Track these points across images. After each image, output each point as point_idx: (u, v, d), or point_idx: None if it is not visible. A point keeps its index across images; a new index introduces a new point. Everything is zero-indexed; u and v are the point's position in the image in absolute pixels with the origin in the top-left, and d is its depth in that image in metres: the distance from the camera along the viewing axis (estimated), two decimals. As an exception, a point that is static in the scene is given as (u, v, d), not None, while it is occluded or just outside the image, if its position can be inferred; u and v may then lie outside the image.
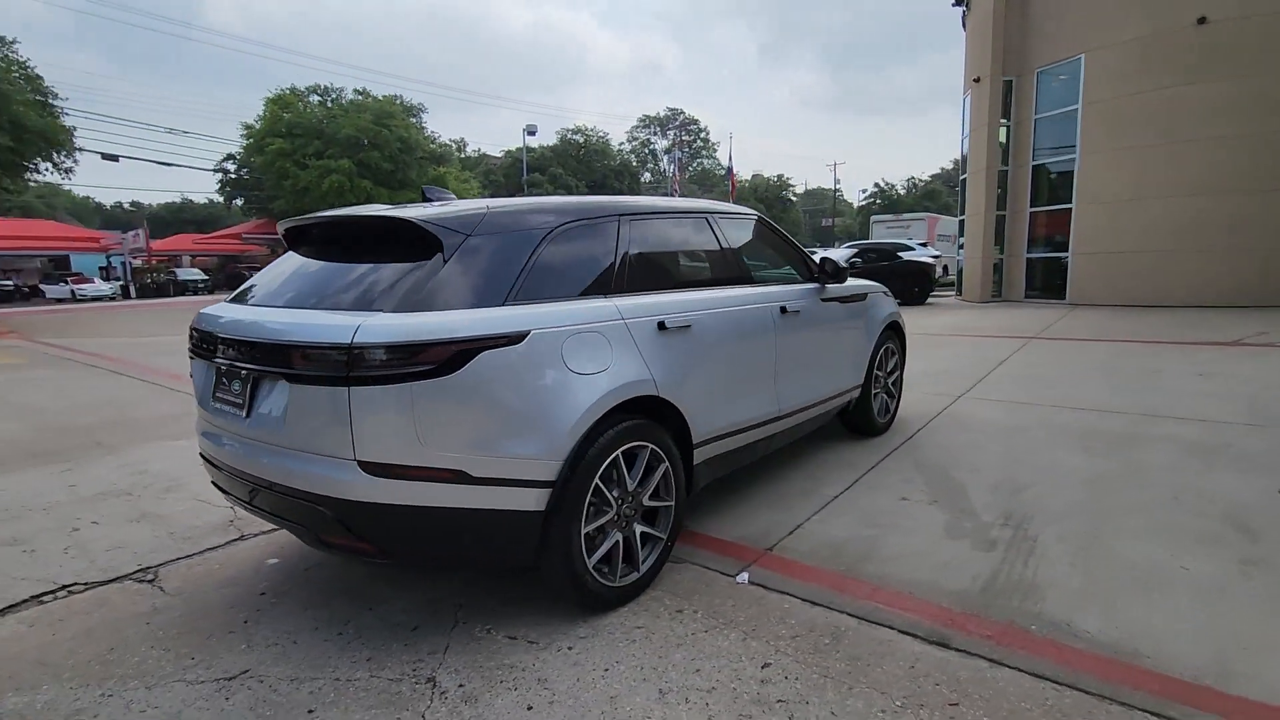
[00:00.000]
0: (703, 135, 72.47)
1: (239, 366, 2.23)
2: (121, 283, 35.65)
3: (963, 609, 2.50)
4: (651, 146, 69.39)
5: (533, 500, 2.22)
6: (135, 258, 35.55)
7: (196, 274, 36.50)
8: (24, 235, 36.15)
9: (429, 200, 2.78)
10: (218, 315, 2.44)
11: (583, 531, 2.35)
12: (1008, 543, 3.02)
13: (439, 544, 2.18)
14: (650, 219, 2.98)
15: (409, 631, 2.42)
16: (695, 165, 72.10)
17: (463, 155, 53.18)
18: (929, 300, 16.35)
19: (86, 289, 33.16)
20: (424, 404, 2.02)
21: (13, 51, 15.11)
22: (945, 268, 19.23)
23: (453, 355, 2.06)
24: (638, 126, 69.28)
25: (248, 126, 27.94)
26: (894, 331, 4.77)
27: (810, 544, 3.07)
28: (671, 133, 72.36)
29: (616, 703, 2.02)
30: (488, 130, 59.72)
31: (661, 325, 2.69)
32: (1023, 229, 15.30)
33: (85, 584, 2.81)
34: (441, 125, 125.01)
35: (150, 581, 2.84)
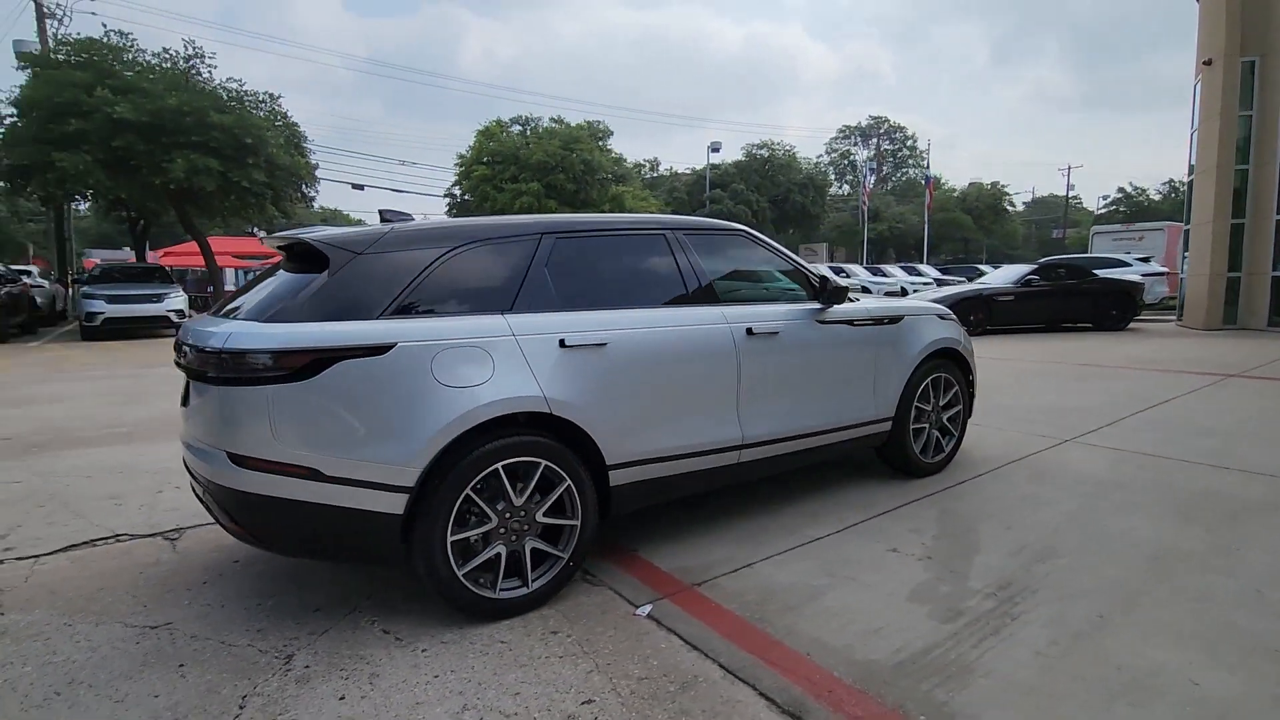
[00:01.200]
0: (909, 143, 68.10)
1: (180, 366, 2.63)
2: None
3: (854, 682, 2.17)
4: (851, 157, 66.62)
5: (389, 503, 2.34)
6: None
7: None
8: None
9: (388, 221, 3.02)
10: (188, 324, 2.90)
11: (448, 539, 2.42)
12: (977, 617, 2.54)
13: (298, 534, 2.38)
14: (583, 237, 2.97)
15: (310, 613, 2.66)
16: (900, 175, 67.90)
17: (654, 174, 55.37)
18: (1132, 325, 13.80)
19: None
20: (279, 405, 2.24)
21: (277, 105, 18.81)
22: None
23: (308, 363, 2.25)
24: (837, 138, 67.08)
25: (460, 156, 31.73)
26: (950, 360, 4.18)
27: (745, 585, 2.83)
28: (874, 141, 68.92)
29: (418, 709, 2.06)
30: (690, 148, 61.65)
31: (563, 343, 2.67)
32: (1268, 240, 12.32)
33: (130, 535, 3.46)
34: (643, 147, 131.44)
35: (172, 540, 3.42)
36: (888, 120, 68.58)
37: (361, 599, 2.76)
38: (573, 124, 31.61)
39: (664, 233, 3.19)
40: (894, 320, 3.87)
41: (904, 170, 68.86)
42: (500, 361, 2.52)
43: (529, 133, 31.67)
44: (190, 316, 13.94)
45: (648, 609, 2.66)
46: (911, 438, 3.99)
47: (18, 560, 3.18)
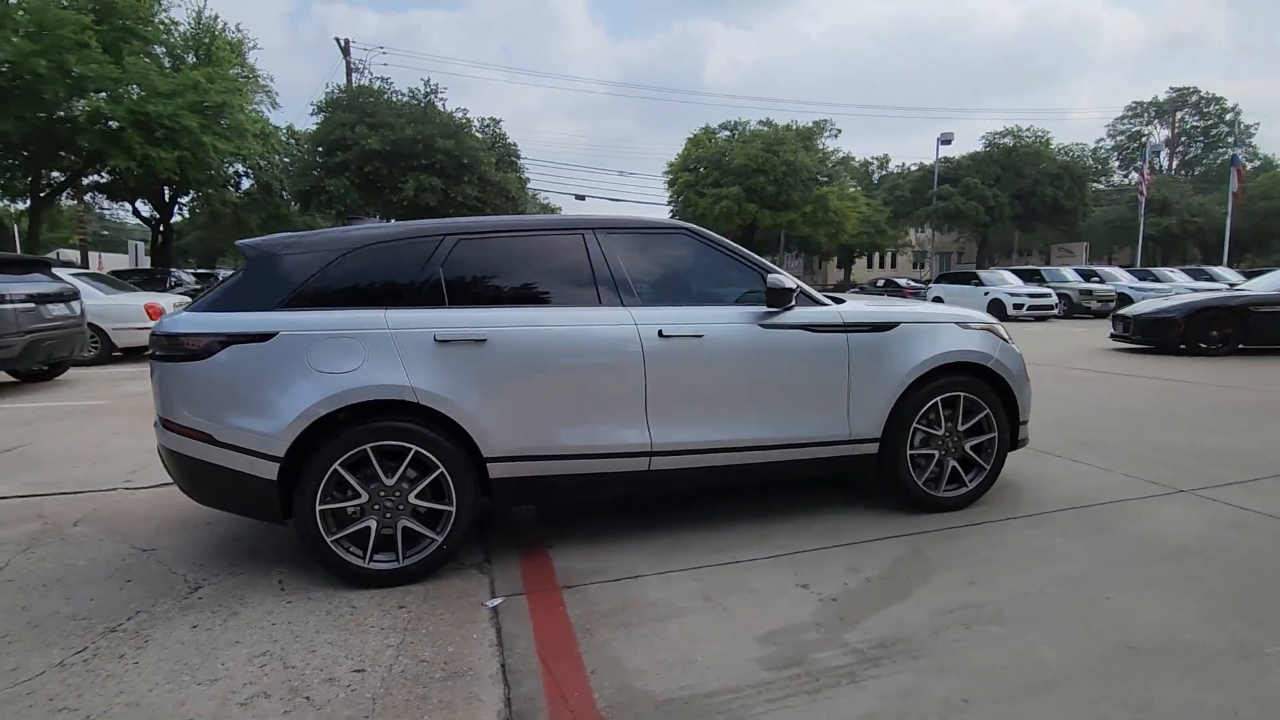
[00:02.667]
0: (1228, 118, 54.94)
1: None
2: None
3: (605, 708, 2.03)
4: (1144, 139, 55.67)
5: (264, 470, 2.71)
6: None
7: None
8: None
9: (349, 223, 3.44)
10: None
11: (317, 507, 2.73)
12: (814, 671, 2.19)
13: (206, 488, 2.85)
14: (488, 238, 3.09)
15: (251, 558, 3.15)
16: (1213, 157, 55.10)
17: (883, 171, 52.13)
18: None
19: None
20: (185, 379, 2.73)
21: (498, 129, 21.41)
22: None
23: (204, 345, 2.71)
24: (1124, 117, 56.60)
25: (670, 165, 33.08)
26: (977, 378, 3.50)
27: (609, 596, 2.74)
28: (1175, 117, 56.93)
29: (231, 649, 2.38)
30: (932, 143, 55.33)
31: (437, 338, 2.83)
32: None
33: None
34: (881, 144, 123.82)
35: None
36: (1197, 92, 56.06)
37: (301, 555, 3.19)
38: (780, 126, 31.16)
39: (582, 233, 3.18)
40: (880, 327, 3.37)
41: (1219, 151, 55.63)
42: (371, 353, 2.76)
43: (735, 137, 31.90)
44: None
45: (497, 602, 2.71)
46: (910, 465, 3.43)
47: (127, 490, 4.19)
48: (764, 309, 3.20)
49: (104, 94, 15.31)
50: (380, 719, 1.99)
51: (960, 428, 3.51)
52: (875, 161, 54.36)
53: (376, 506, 2.81)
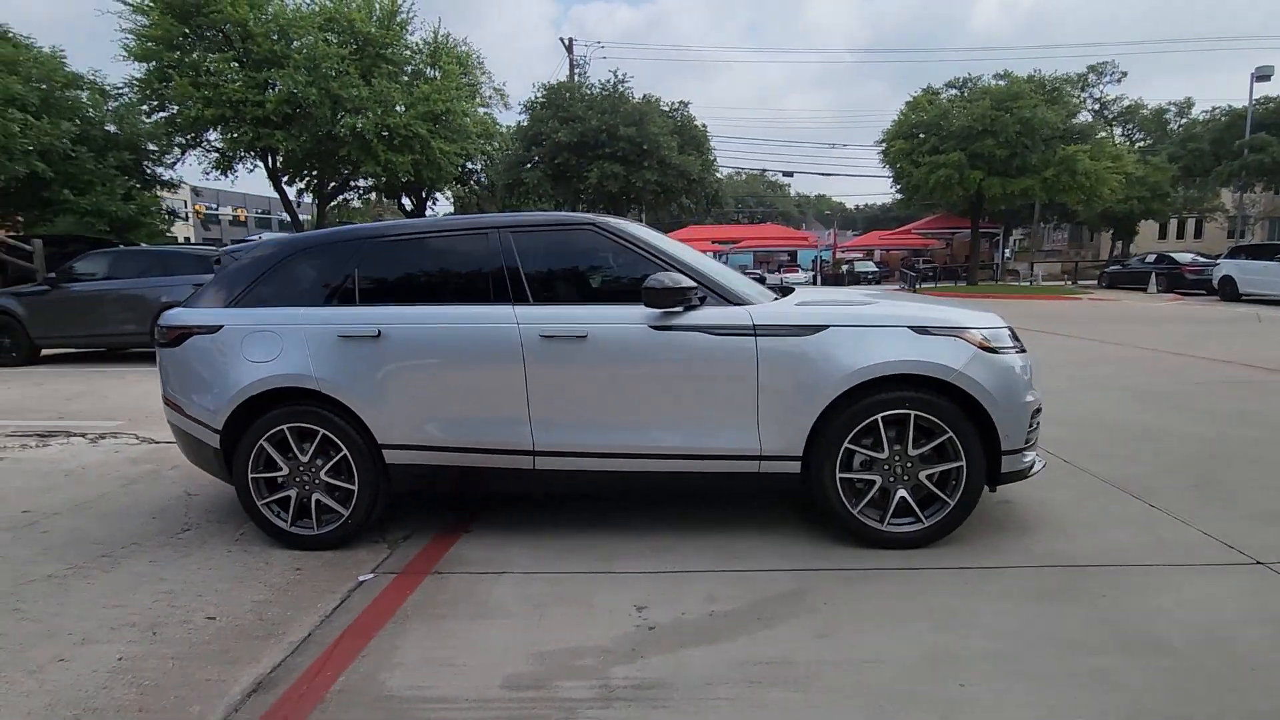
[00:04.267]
0: None
1: None
2: (812, 274, 45.37)
3: (339, 689, 2.18)
4: None
5: (211, 439, 3.26)
6: (837, 251, 45.43)
7: (870, 267, 43.44)
8: (769, 236, 49.61)
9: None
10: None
11: (248, 475, 3.21)
12: (551, 698, 2.10)
13: (186, 450, 3.48)
14: (398, 241, 3.28)
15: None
16: None
17: (1183, 119, 42.51)
18: None
19: (790, 277, 43.54)
20: (167, 362, 3.37)
21: (686, 112, 21.57)
22: None
23: (176, 335, 3.31)
24: None
25: (885, 132, 30.32)
26: (939, 395, 2.88)
27: (460, 587, 2.84)
28: None
29: (161, 583, 2.95)
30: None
31: (339, 333, 3.12)
32: None
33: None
34: (1187, 85, 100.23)
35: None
36: None
37: (275, 510, 3.77)
38: (1019, 78, 26.78)
39: (487, 232, 3.23)
40: (801, 330, 2.93)
41: None
42: (287, 345, 3.15)
43: (963, 95, 28.16)
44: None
45: (367, 577, 2.97)
46: (840, 491, 2.96)
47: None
48: (651, 311, 2.97)
49: (359, 112, 18.49)
50: (180, 660, 2.35)
51: (912, 452, 2.93)
52: (1174, 108, 44.34)
53: (296, 479, 3.22)
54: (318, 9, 19.33)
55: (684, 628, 2.46)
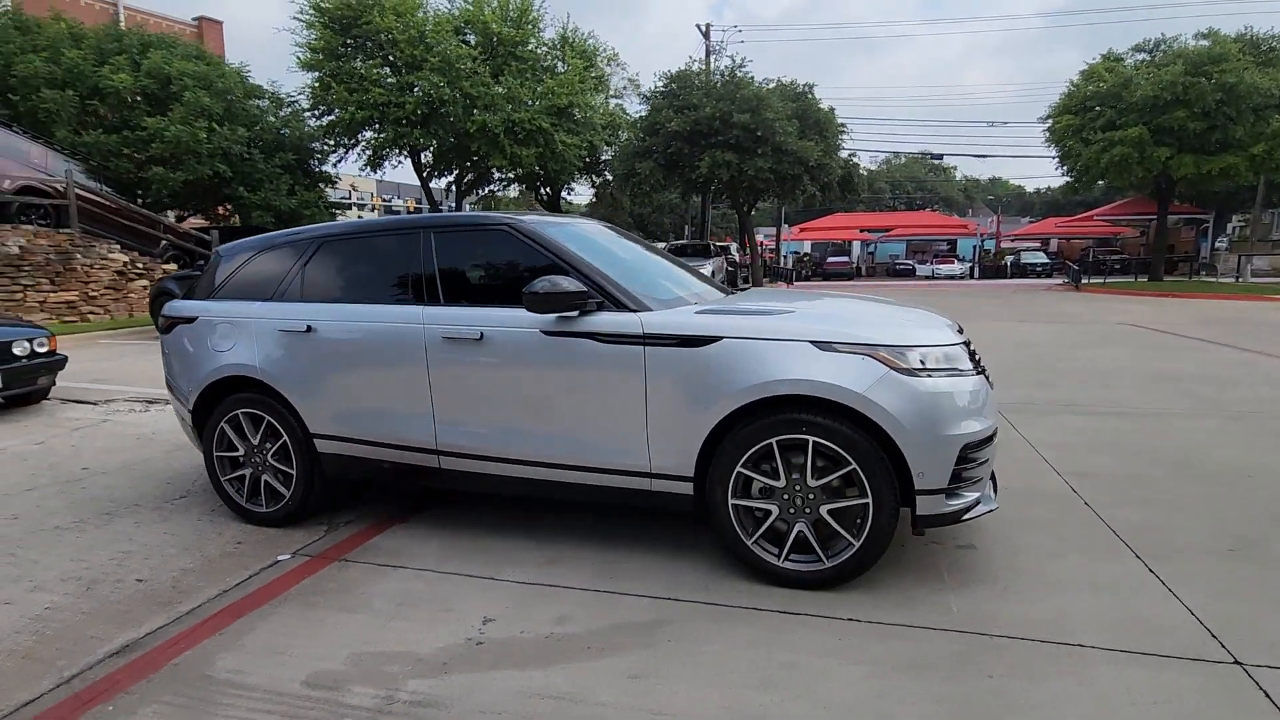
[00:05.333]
0: None
1: None
2: (969, 264, 41.52)
3: (175, 663, 2.36)
4: None
5: (188, 418, 3.64)
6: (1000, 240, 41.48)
7: (1040, 258, 39.04)
8: (926, 224, 45.91)
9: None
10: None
11: (214, 453, 3.55)
12: (326, 701, 2.14)
13: (183, 428, 3.90)
14: (345, 240, 3.43)
15: (240, 482, 4.20)
16: None
17: None
18: None
19: (943, 268, 40.12)
20: (164, 349, 3.80)
21: (810, 95, 20.53)
22: None
23: (168, 324, 3.71)
24: None
25: (1051, 107, 26.91)
26: (845, 421, 2.52)
27: (354, 578, 2.96)
28: None
29: (119, 547, 3.35)
30: None
31: (278, 327, 3.34)
32: None
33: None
34: None
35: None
36: None
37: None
38: (1226, 37, 22.45)
39: (418, 232, 3.28)
40: (692, 342, 2.68)
41: None
42: (241, 337, 3.43)
43: (1153, 60, 24.14)
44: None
45: (285, 557, 3.18)
46: (735, 520, 2.70)
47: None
48: (555, 315, 2.87)
49: (489, 109, 19.58)
50: (89, 616, 2.65)
51: (813, 483, 2.60)
52: None
53: (250, 460, 3.51)
54: (457, 13, 20.65)
55: (510, 646, 2.38)
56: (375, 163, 22.34)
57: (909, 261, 45.36)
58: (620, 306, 2.85)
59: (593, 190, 31.51)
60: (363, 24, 19.47)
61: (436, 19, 20.24)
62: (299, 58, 20.53)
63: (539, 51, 22.07)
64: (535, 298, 2.76)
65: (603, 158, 26.49)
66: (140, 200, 16.42)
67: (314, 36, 20.03)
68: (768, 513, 2.69)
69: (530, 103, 19.76)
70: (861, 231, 47.15)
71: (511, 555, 3.10)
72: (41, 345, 6.14)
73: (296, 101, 21.05)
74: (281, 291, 3.49)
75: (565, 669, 2.24)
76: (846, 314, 2.96)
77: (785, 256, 41.87)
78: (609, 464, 2.85)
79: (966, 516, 2.61)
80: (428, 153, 22.83)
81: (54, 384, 6.41)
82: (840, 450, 2.53)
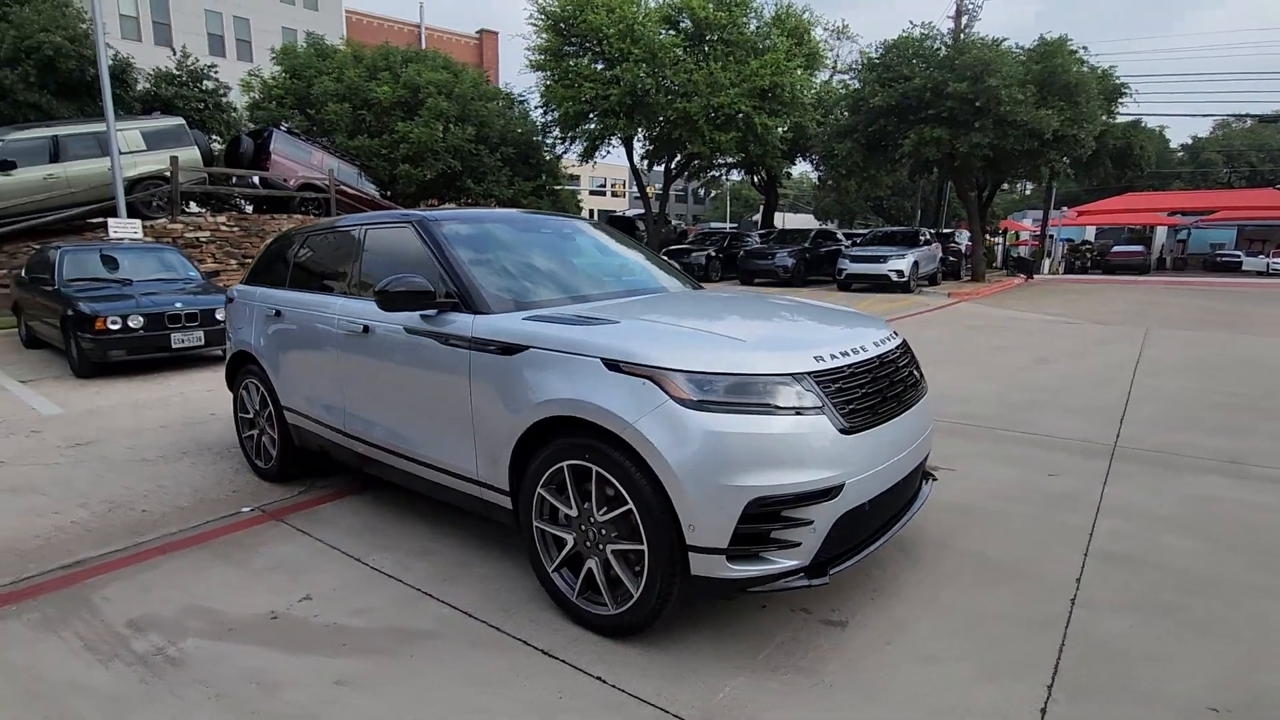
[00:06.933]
0: None
1: None
2: None
3: (100, 599, 2.90)
4: None
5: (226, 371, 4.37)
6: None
7: None
8: (1269, 205, 35.31)
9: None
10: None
11: (236, 414, 4.23)
12: (114, 649, 2.48)
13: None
14: (317, 235, 3.79)
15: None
16: None
17: None
18: None
19: (1277, 264, 31.27)
20: (226, 313, 4.58)
21: (1064, 51, 17.14)
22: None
23: (226, 300, 4.48)
24: None
25: None
26: (616, 449, 2.19)
27: (281, 538, 3.33)
28: None
29: (117, 476, 4.17)
30: None
31: (263, 312, 3.84)
32: None
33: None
34: None
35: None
36: None
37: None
38: None
39: (353, 230, 3.51)
40: (508, 350, 2.51)
41: None
42: (252, 318, 4.02)
43: None
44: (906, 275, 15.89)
45: (248, 509, 3.68)
46: (540, 541, 2.51)
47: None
48: (419, 313, 2.90)
49: (689, 96, 19.71)
50: (86, 534, 3.36)
51: (598, 517, 2.31)
52: None
53: (255, 423, 4.11)
54: (665, 2, 21.03)
55: (292, 626, 2.51)
56: (589, 153, 23.87)
57: (1237, 253, 35.74)
58: (469, 308, 2.78)
59: (816, 173, 30.16)
60: (579, 24, 20.79)
61: (646, 11, 20.82)
62: (529, 59, 22.69)
63: (748, 33, 21.57)
64: (383, 296, 2.80)
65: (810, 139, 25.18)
66: (390, 194, 19.60)
67: (544, 40, 21.93)
68: (561, 541, 2.45)
69: (730, 86, 19.44)
70: (1169, 215, 38.06)
71: (401, 542, 3.23)
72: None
73: (525, 100, 23.31)
74: (281, 279, 4.00)
75: (300, 661, 2.31)
76: (698, 326, 2.54)
77: (1059, 244, 34.79)
78: (454, 467, 2.83)
79: (762, 589, 2.11)
80: (639, 141, 23.74)
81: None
82: (619, 486, 2.21)
